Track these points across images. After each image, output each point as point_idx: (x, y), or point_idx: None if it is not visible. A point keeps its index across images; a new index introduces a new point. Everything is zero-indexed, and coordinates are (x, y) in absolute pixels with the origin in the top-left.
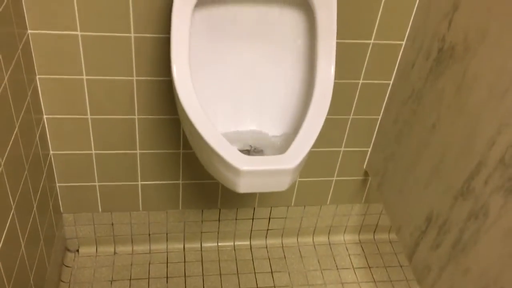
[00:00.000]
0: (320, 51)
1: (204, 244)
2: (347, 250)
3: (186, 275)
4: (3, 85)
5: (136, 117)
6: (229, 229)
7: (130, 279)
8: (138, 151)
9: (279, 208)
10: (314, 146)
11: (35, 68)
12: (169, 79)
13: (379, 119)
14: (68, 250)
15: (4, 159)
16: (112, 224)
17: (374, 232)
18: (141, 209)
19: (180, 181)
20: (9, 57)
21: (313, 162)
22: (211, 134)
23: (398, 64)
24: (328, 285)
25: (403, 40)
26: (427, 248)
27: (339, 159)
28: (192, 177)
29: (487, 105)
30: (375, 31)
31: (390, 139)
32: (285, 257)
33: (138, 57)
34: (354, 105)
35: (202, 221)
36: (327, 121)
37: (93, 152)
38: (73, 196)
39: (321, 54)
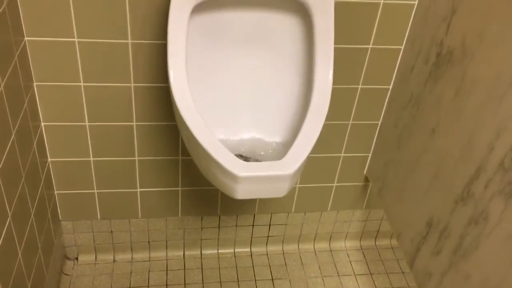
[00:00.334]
0: (318, 56)
1: (204, 251)
2: (348, 256)
3: (186, 282)
4: None
5: (134, 123)
6: (229, 236)
7: (129, 287)
8: (136, 158)
9: (279, 215)
10: (314, 152)
11: (32, 75)
12: (167, 85)
13: (379, 124)
14: (67, 258)
15: None
16: (111, 232)
17: (376, 238)
18: (140, 216)
19: (180, 188)
20: (6, 64)
21: (313, 168)
22: (208, 140)
23: (397, 68)
24: None
25: (401, 45)
26: (428, 254)
27: (339, 165)
28: (192, 183)
29: (486, 109)
30: (373, 35)
31: (390, 144)
32: (285, 264)
33: (135, 63)
34: (353, 111)
35: (202, 228)
36: (326, 126)
37: (92, 159)
38: (71, 203)
39: (319, 59)
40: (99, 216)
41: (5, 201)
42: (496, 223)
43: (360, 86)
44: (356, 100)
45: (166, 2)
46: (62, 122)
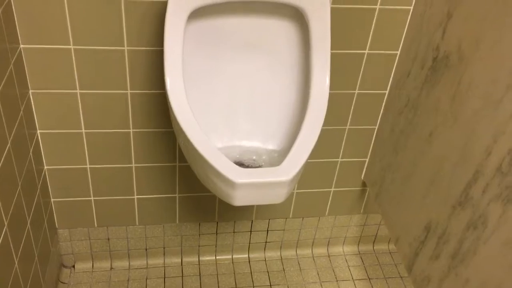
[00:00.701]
0: (314, 62)
1: (202, 258)
2: (346, 261)
3: None
4: None
5: (131, 130)
6: (227, 242)
7: None
8: (133, 165)
9: (277, 220)
10: (311, 157)
11: (28, 82)
12: (163, 92)
13: (376, 129)
14: (64, 266)
15: None
16: (108, 239)
17: (374, 243)
18: (137, 223)
19: (177, 195)
20: (1, 72)
21: (310, 173)
22: (205, 147)
23: (394, 73)
24: None
25: (398, 50)
26: (426, 259)
27: (337, 170)
28: (189, 190)
29: (483, 114)
30: (369, 41)
31: (387, 149)
32: (284, 270)
33: (132, 70)
34: (350, 116)
35: (199, 235)
36: (323, 132)
37: (88, 166)
38: (68, 211)
39: (315, 65)
40: (96, 224)
41: (1, 209)
42: (495, 228)
43: (356, 91)
44: (353, 105)
45: (162, 9)
46: (58, 130)
